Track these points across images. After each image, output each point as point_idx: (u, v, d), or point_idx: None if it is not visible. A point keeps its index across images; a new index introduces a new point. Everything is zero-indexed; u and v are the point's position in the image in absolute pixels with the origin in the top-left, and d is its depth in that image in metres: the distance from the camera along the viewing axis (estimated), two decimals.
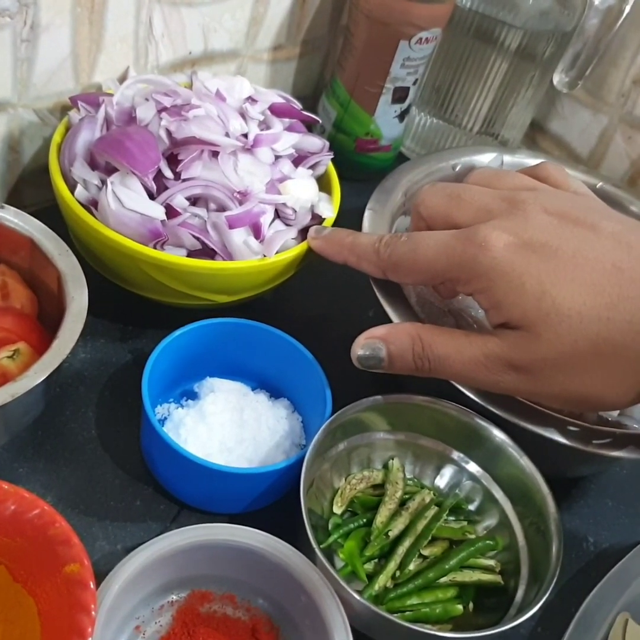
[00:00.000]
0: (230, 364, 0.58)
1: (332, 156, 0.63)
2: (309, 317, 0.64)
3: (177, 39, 0.67)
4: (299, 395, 0.57)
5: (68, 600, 0.42)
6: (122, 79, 0.65)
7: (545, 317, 0.39)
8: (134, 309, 0.60)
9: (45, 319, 0.57)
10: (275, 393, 0.58)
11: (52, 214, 0.58)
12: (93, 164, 0.57)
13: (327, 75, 0.85)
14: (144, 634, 0.47)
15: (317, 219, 0.60)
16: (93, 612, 0.41)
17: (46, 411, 0.54)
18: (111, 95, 0.61)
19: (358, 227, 0.60)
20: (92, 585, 0.42)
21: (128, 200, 0.53)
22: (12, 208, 0.56)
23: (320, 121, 0.71)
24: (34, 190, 0.66)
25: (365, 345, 0.45)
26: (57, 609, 0.43)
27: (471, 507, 0.56)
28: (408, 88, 0.77)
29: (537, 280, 0.40)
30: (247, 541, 0.47)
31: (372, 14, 0.72)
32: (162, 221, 0.54)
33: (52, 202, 0.59)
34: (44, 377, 0.46)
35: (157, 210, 0.53)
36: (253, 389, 0.58)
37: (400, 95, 0.77)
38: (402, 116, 0.80)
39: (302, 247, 0.56)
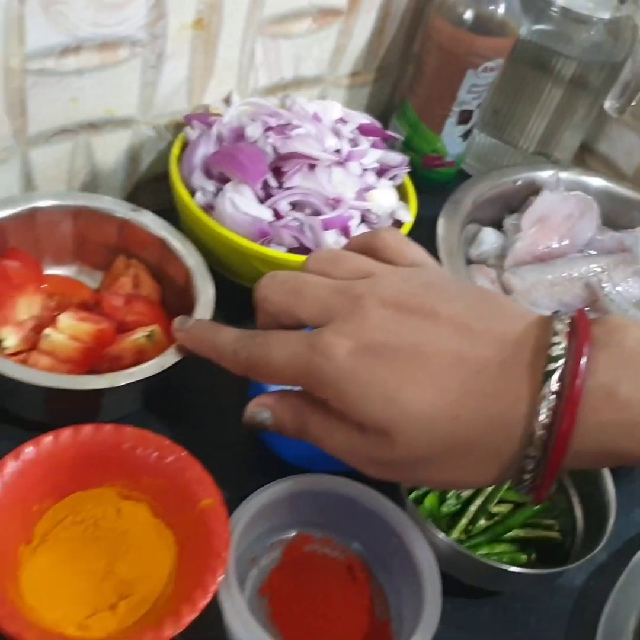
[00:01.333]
0: None
1: (409, 170, 0.72)
2: None
3: (273, 66, 0.76)
4: None
5: (205, 529, 0.51)
6: (226, 100, 0.74)
7: (395, 423, 0.39)
8: (239, 298, 0.68)
9: (168, 309, 0.66)
10: None
11: (162, 217, 0.67)
12: (208, 174, 0.67)
13: (396, 99, 0.94)
14: (258, 565, 0.56)
15: (397, 224, 0.69)
16: (226, 536, 0.50)
17: (171, 382, 0.63)
18: (219, 115, 0.71)
19: (429, 232, 0.69)
20: (225, 515, 0.51)
21: (242, 204, 0.63)
22: (146, 211, 0.66)
23: (400, 138, 0.80)
24: (147, 195, 0.75)
25: (254, 410, 0.47)
26: (194, 537, 0.51)
27: None
28: (472, 111, 0.86)
29: (380, 387, 0.39)
30: (347, 490, 0.55)
31: (443, 45, 0.81)
32: (269, 223, 0.63)
33: (162, 206, 0.69)
34: (184, 355, 0.55)
35: (265, 213, 0.63)
36: None
37: (465, 117, 0.86)
38: (465, 135, 0.89)
39: None
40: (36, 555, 0.51)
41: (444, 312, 0.40)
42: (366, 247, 0.48)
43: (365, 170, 0.69)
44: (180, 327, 0.54)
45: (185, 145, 0.70)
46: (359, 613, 0.55)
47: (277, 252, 0.63)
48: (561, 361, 0.37)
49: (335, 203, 0.65)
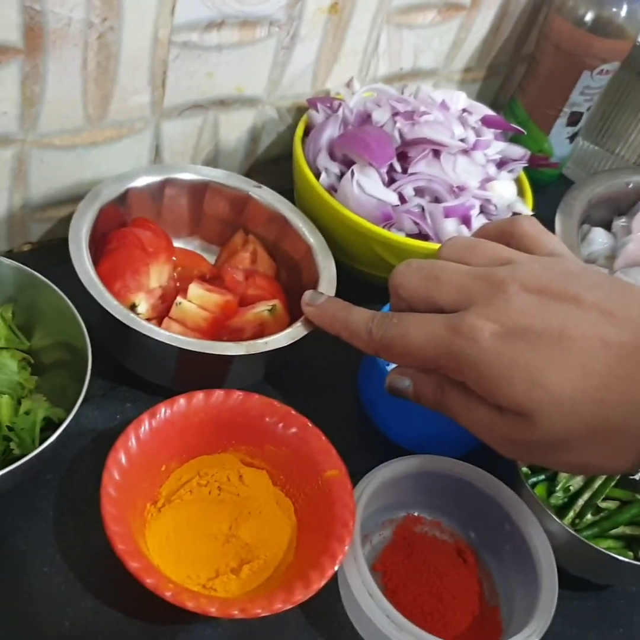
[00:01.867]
0: None
1: (526, 164, 0.73)
2: None
3: (394, 55, 0.77)
4: None
5: (328, 499, 0.52)
6: (347, 86, 0.75)
7: (537, 405, 0.39)
8: (353, 282, 0.69)
9: (281, 285, 0.67)
10: None
11: None
12: (332, 156, 0.67)
13: (501, 97, 0.94)
14: (371, 542, 0.56)
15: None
16: (352, 506, 0.50)
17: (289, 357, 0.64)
18: (340, 99, 0.72)
19: None
20: (350, 487, 0.51)
21: (368, 186, 0.63)
22: (267, 188, 0.67)
23: (524, 132, 0.80)
24: (261, 177, 0.76)
25: (395, 379, 0.47)
26: (317, 506, 0.52)
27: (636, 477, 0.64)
28: (582, 113, 0.86)
29: (525, 370, 0.40)
30: (464, 473, 0.56)
31: (561, 45, 0.81)
32: (393, 206, 0.64)
33: (275, 188, 0.69)
34: (312, 328, 0.56)
35: (391, 197, 0.64)
36: None
37: (574, 119, 0.86)
38: (572, 138, 0.89)
39: None
40: (161, 515, 0.52)
41: (588, 298, 0.40)
42: (503, 235, 0.48)
43: (487, 161, 0.69)
44: (311, 301, 0.54)
45: (308, 127, 0.71)
46: (470, 596, 0.55)
47: (399, 237, 0.63)
48: None
49: (459, 191, 0.65)
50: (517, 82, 0.89)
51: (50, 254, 0.66)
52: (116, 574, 0.49)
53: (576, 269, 0.44)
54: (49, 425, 0.51)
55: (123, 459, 0.49)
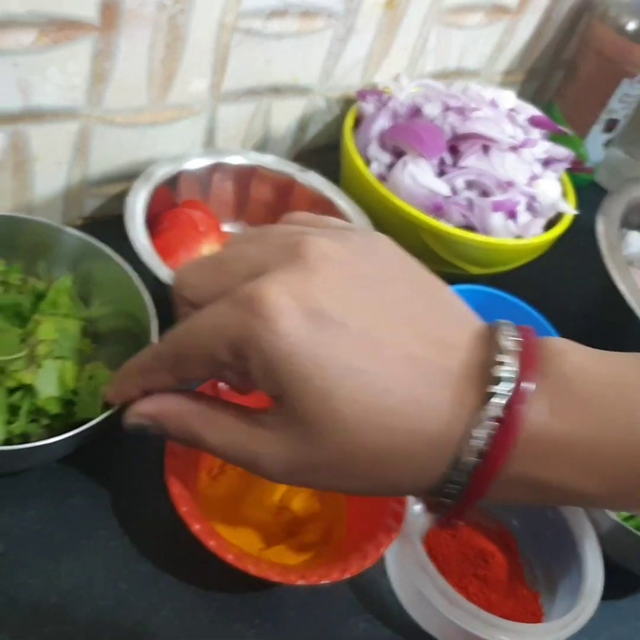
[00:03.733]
0: None
1: (570, 166, 0.74)
2: (546, 294, 0.74)
3: (441, 54, 0.79)
4: None
5: None
6: (395, 80, 0.76)
7: (325, 422, 0.32)
8: None
9: None
10: None
11: None
12: (382, 147, 0.69)
13: (539, 101, 0.96)
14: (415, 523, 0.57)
15: (558, 216, 0.71)
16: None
17: None
18: (388, 93, 0.73)
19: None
20: None
21: (420, 177, 0.65)
22: (313, 172, 0.68)
23: (569, 133, 0.82)
24: (303, 165, 0.77)
25: (131, 420, 0.40)
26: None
27: None
28: (618, 120, 0.87)
29: (322, 374, 0.32)
30: None
31: (602, 52, 0.83)
32: (444, 197, 0.65)
33: None
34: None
35: (443, 188, 0.65)
36: None
37: (611, 125, 0.88)
38: (607, 144, 0.90)
39: (552, 233, 0.67)
40: (215, 484, 0.53)
41: (391, 292, 0.34)
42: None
43: (534, 159, 0.70)
44: (109, 387, 0.45)
45: (357, 118, 0.72)
46: (513, 580, 0.56)
47: (448, 227, 0.65)
48: (503, 384, 0.32)
49: (507, 186, 0.66)
50: (555, 86, 0.91)
51: (102, 230, 0.66)
52: (172, 538, 0.51)
53: (377, 244, 0.37)
54: None
55: None
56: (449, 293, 0.36)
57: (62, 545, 0.49)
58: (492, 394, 0.32)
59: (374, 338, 0.33)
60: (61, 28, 0.53)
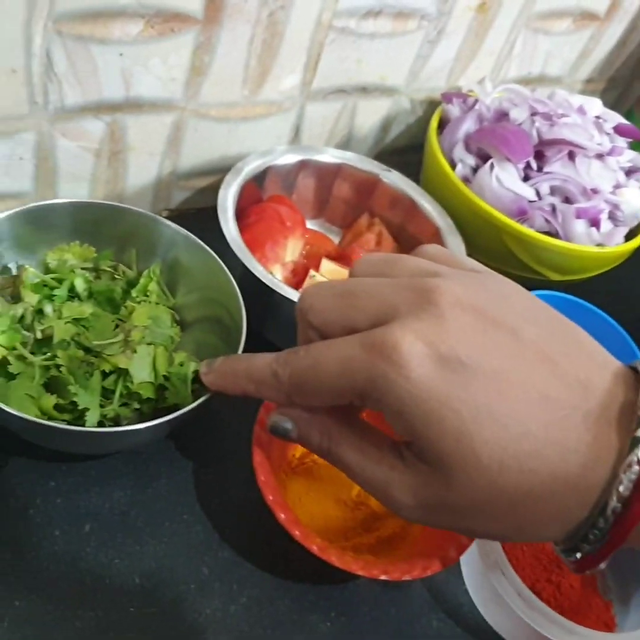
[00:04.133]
0: None
1: None
2: (625, 303, 0.73)
3: (526, 59, 0.79)
4: None
5: None
6: (480, 84, 0.76)
7: (462, 463, 0.32)
8: None
9: None
10: None
11: None
12: (467, 149, 0.69)
13: (618, 110, 0.95)
14: None
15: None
16: None
17: None
18: (473, 96, 0.73)
19: None
20: None
21: (506, 180, 0.65)
22: (396, 172, 0.69)
23: None
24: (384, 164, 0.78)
25: (278, 418, 0.39)
26: None
27: None
28: None
29: (456, 416, 0.32)
30: None
31: None
32: (529, 202, 0.65)
33: None
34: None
35: (529, 192, 0.65)
36: None
37: None
38: None
39: (634, 243, 0.67)
40: (295, 477, 0.54)
41: (527, 333, 0.34)
42: None
43: (619, 168, 0.70)
44: (207, 369, 0.45)
45: (441, 120, 0.72)
46: (586, 589, 0.56)
47: (533, 232, 0.65)
48: None
49: (591, 194, 0.66)
50: (635, 95, 0.90)
51: (187, 221, 0.67)
52: (254, 526, 0.52)
53: (512, 290, 0.37)
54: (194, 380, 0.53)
55: None
56: (584, 334, 0.35)
57: (146, 527, 0.50)
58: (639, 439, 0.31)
59: (509, 380, 0.32)
60: (167, 20, 0.54)
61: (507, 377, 0.32)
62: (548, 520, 0.33)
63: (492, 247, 0.68)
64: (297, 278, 0.65)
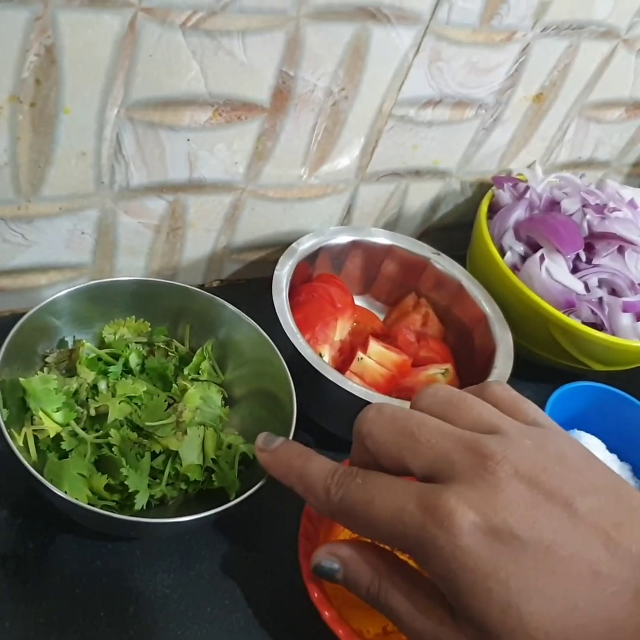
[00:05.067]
0: (591, 421, 0.68)
1: None
2: None
3: (576, 145, 0.80)
4: None
5: None
6: (530, 168, 0.77)
7: (508, 632, 0.33)
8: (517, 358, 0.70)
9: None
10: (619, 455, 0.68)
11: None
12: (516, 236, 0.70)
13: None
14: None
15: None
16: None
17: None
18: (523, 180, 0.74)
19: None
20: None
21: (555, 272, 0.65)
22: (445, 255, 0.69)
23: None
24: (429, 241, 0.77)
25: (324, 559, 0.39)
26: None
27: None
28: None
29: (504, 587, 0.33)
30: None
31: None
32: (577, 294, 0.66)
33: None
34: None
35: (578, 285, 0.65)
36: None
37: None
38: None
39: None
40: None
41: (582, 506, 0.34)
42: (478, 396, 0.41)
43: None
44: (264, 446, 0.45)
45: (491, 204, 0.73)
46: None
47: (579, 324, 0.65)
48: None
49: (639, 288, 0.67)
50: None
51: (236, 292, 0.69)
52: (293, 616, 0.52)
53: (570, 451, 0.37)
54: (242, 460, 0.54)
55: None
56: (637, 497, 0.36)
57: (187, 611, 0.51)
58: None
59: (559, 554, 0.33)
60: (235, 109, 0.55)
61: (558, 552, 0.33)
62: None
63: (538, 335, 0.68)
64: (343, 356, 0.66)
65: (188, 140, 0.55)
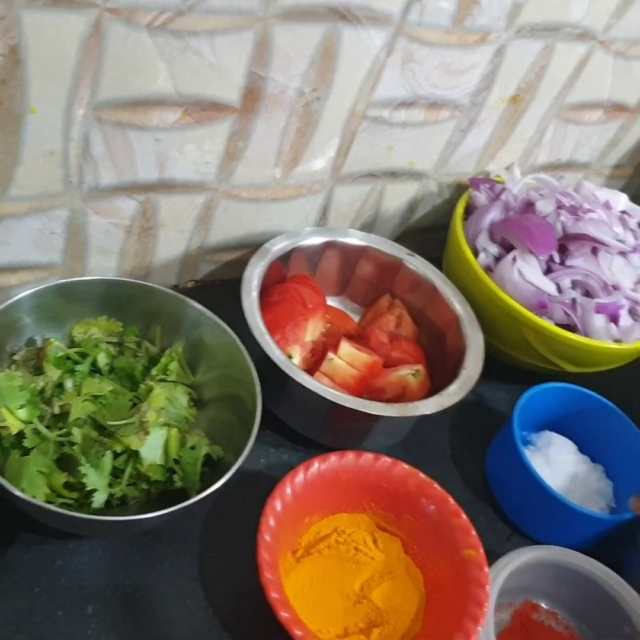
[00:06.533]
0: (562, 422, 0.68)
1: None
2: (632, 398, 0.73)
3: (555, 147, 0.80)
4: (613, 462, 0.67)
5: (464, 577, 0.53)
6: (507, 170, 0.77)
7: None
8: (488, 358, 0.69)
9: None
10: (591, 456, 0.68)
11: None
12: (491, 238, 0.70)
13: None
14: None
15: None
16: (487, 588, 0.52)
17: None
18: (500, 182, 0.74)
19: None
20: (486, 569, 0.53)
21: (528, 273, 0.65)
22: (419, 257, 0.69)
23: None
24: (406, 243, 0.76)
25: None
26: (452, 583, 0.53)
27: None
28: None
29: None
30: (592, 570, 0.56)
31: None
32: (549, 295, 0.66)
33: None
34: (461, 397, 0.58)
35: (550, 287, 0.65)
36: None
37: None
38: None
39: None
40: (299, 566, 0.54)
41: None
42: None
43: None
44: None
45: (468, 205, 0.73)
46: None
47: (551, 325, 0.65)
48: None
49: (612, 289, 0.67)
50: None
51: (210, 293, 0.69)
52: (255, 615, 0.52)
53: None
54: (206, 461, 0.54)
55: (279, 507, 0.51)
56: None
57: (148, 611, 0.51)
58: None
59: None
60: (205, 109, 0.55)
61: None
62: None
63: (510, 336, 0.68)
64: (316, 357, 0.66)
65: (157, 140, 0.55)
